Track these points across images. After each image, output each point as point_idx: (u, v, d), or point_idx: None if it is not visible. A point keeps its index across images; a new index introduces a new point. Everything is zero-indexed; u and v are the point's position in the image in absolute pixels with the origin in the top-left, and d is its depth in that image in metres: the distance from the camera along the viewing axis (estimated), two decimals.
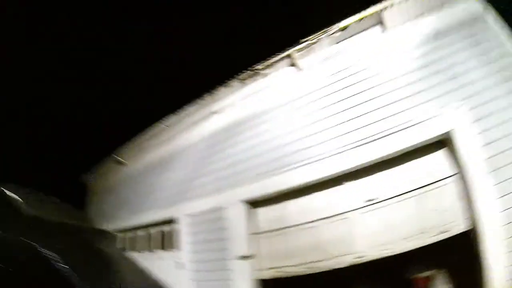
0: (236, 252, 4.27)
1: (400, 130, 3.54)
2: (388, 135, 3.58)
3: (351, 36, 4.09)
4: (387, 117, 3.63)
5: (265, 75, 4.30)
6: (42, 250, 1.56)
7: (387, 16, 3.85)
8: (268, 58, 4.16)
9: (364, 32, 4.07)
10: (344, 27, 3.99)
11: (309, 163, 3.87)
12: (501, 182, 3.08)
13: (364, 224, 3.79)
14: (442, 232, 3.48)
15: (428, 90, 3.55)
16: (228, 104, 4.57)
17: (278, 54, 4.12)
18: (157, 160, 5.45)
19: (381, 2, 3.84)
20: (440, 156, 3.65)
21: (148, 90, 11.29)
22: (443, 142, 3.54)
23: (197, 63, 10.80)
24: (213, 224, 4.52)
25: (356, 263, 3.78)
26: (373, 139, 3.63)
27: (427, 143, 3.55)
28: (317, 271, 3.96)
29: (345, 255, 3.82)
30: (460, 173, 3.37)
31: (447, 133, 3.40)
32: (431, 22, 3.78)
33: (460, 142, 3.33)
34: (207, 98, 4.57)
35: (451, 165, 3.50)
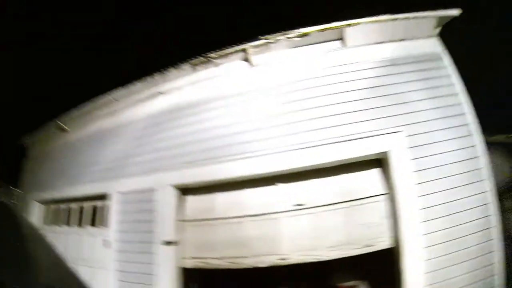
0: (161, 236, 4.19)
1: (339, 142, 3.67)
2: (327, 144, 3.69)
3: (309, 44, 4.16)
4: (329, 127, 3.75)
5: (217, 64, 4.26)
6: None
7: (349, 33, 3.97)
8: (223, 48, 4.12)
9: (323, 43, 4.15)
10: (304, 33, 4.04)
11: (244, 158, 3.87)
12: (427, 207, 3.34)
13: (290, 227, 3.86)
14: (367, 246, 3.65)
15: (372, 110, 3.73)
16: (176, 87, 4.48)
17: (234, 46, 4.10)
18: (99, 132, 5.23)
19: (346, 20, 3.93)
20: (374, 174, 3.83)
21: (98, 60, 10.81)
22: (380, 162, 3.72)
23: (153, 42, 10.58)
24: (143, 204, 4.41)
25: (279, 264, 3.84)
26: (312, 145, 3.72)
27: (363, 159, 3.71)
28: (240, 267, 3.98)
29: (268, 255, 3.88)
30: (391, 193, 3.55)
31: (383, 154, 3.59)
32: (390, 49, 3.98)
33: (394, 164, 3.54)
34: (157, 77, 4.45)
35: (384, 184, 3.70)
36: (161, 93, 4.55)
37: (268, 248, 3.88)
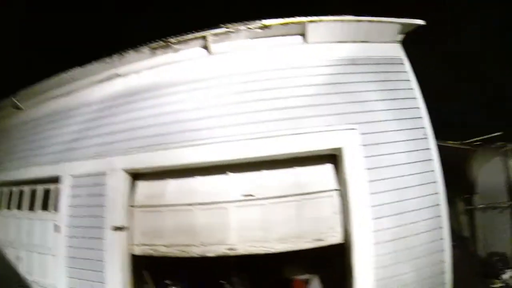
0: (111, 221, 4.11)
1: (293, 134, 3.69)
2: (280, 136, 3.70)
3: (270, 36, 4.17)
4: (284, 119, 3.77)
5: (176, 50, 4.21)
6: None
7: (311, 29, 3.99)
8: (183, 34, 4.08)
9: (284, 37, 4.16)
10: (266, 25, 4.04)
11: (196, 145, 3.84)
12: (378, 205, 3.43)
13: (239, 218, 3.86)
14: (317, 240, 3.69)
15: (328, 106, 3.78)
16: (134, 70, 4.39)
17: (194, 33, 4.06)
18: (54, 111, 5.03)
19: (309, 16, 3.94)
20: (327, 169, 3.89)
21: (57, 37, 10.47)
22: (333, 157, 3.78)
23: (113, 24, 10.35)
24: (93, 189, 4.29)
25: (228, 254, 3.84)
26: (265, 136, 3.72)
27: (316, 153, 3.76)
28: (189, 255, 3.95)
29: (217, 244, 3.86)
30: (343, 189, 3.63)
31: (336, 149, 3.65)
32: (350, 49, 4.04)
33: (346, 160, 3.60)
34: (115, 59, 4.35)
35: (336, 179, 3.76)
36: (118, 75, 4.45)
37: (217, 238, 3.87)
